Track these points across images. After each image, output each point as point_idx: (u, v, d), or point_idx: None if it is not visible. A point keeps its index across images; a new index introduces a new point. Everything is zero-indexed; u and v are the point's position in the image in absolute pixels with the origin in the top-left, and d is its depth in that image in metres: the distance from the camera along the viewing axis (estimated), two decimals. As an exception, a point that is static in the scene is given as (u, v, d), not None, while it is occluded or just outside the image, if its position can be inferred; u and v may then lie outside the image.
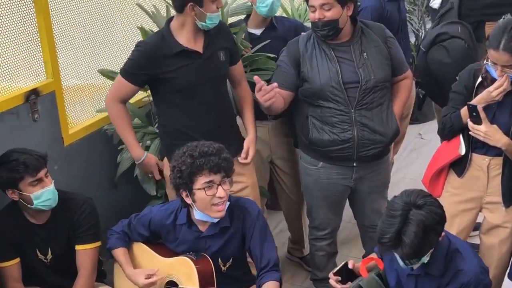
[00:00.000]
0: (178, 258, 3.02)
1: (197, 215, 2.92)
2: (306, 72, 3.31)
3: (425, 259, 2.55)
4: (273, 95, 3.14)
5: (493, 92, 2.90)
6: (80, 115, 3.79)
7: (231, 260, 3.05)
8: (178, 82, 3.20)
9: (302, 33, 3.59)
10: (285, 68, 3.39)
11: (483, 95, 2.95)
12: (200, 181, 2.80)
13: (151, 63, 3.17)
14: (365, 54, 3.27)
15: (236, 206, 3.00)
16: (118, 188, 3.81)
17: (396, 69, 3.41)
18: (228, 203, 2.91)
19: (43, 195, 2.99)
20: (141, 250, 3.18)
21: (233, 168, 2.89)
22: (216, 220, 2.92)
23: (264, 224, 3.03)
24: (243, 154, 3.43)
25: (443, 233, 2.57)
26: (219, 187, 2.82)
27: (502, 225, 3.14)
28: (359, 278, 2.85)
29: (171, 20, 3.24)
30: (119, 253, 3.14)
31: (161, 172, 3.50)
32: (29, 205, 3.01)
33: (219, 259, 3.02)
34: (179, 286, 2.99)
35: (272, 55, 3.65)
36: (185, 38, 3.19)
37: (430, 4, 4.66)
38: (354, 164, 3.38)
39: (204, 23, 3.14)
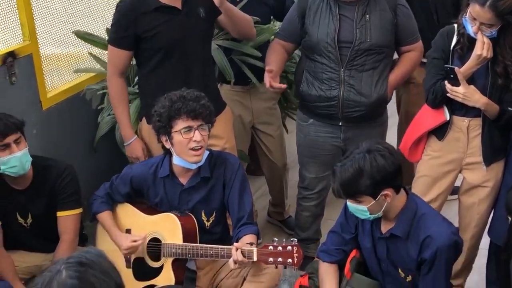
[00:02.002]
0: (162, 214, 3.06)
1: (175, 160, 2.98)
2: (308, 24, 3.33)
3: (367, 211, 2.60)
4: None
5: (483, 52, 2.89)
6: (59, 79, 3.74)
7: (214, 214, 3.08)
8: (158, 40, 3.17)
9: None
10: (291, 19, 3.43)
11: (473, 59, 2.92)
12: (179, 125, 2.86)
13: (133, 21, 3.14)
14: (367, 16, 3.25)
15: (217, 158, 3.06)
16: (98, 152, 3.79)
17: (401, 38, 3.37)
18: (207, 152, 2.98)
19: (10, 161, 2.97)
20: (125, 210, 3.19)
21: (212, 116, 2.95)
22: (193, 166, 2.97)
23: (244, 177, 3.08)
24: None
25: (387, 192, 2.57)
26: (196, 131, 2.86)
27: (481, 184, 3.17)
28: (344, 281, 2.89)
29: None
30: (104, 216, 3.15)
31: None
32: None
33: (202, 213, 3.06)
34: (162, 242, 3.02)
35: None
36: None
37: None
38: (340, 124, 3.40)
39: None
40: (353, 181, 2.54)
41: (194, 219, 3.03)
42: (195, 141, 2.87)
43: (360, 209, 2.62)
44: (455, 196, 3.38)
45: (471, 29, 2.90)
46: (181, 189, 3.05)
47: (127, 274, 3.07)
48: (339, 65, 3.27)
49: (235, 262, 2.77)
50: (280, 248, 2.76)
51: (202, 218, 3.07)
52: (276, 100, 4.01)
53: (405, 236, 2.67)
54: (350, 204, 2.65)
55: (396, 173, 2.58)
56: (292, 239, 2.83)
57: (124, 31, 3.17)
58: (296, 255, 2.75)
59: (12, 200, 3.13)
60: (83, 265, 1.59)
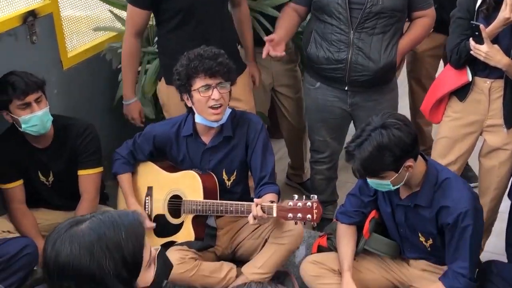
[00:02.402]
0: (183, 172, 3.09)
1: (196, 118, 2.99)
2: None
3: (390, 185, 2.58)
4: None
5: (505, 13, 2.84)
6: (79, 40, 3.75)
7: (235, 173, 3.10)
8: (175, 4, 3.15)
9: None
10: None
11: (499, 20, 2.87)
12: (197, 83, 2.86)
13: None
14: None
15: (240, 118, 3.07)
16: (118, 112, 3.81)
17: (414, 3, 3.30)
18: (229, 111, 2.99)
19: (31, 120, 2.99)
20: (147, 167, 3.22)
21: (232, 73, 2.93)
22: (214, 125, 2.98)
23: (266, 137, 3.09)
24: (252, 80, 3.50)
25: (409, 163, 2.55)
26: (215, 89, 2.86)
27: (502, 147, 3.14)
28: (362, 240, 2.91)
29: None
30: (124, 179, 3.19)
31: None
32: (19, 128, 3.02)
33: (224, 172, 3.08)
34: (183, 199, 3.05)
35: None
36: None
37: None
38: (346, 88, 3.36)
39: None
40: (375, 159, 2.50)
41: (215, 178, 3.05)
42: (213, 99, 2.87)
43: (383, 183, 2.60)
44: (476, 184, 3.37)
45: None
46: (204, 148, 3.07)
47: (147, 232, 3.08)
48: (349, 27, 3.21)
49: (254, 218, 2.78)
50: (299, 204, 2.76)
51: (223, 177, 3.09)
52: (297, 62, 3.98)
53: (429, 205, 2.67)
54: (372, 180, 2.62)
55: (414, 143, 2.57)
56: (312, 195, 2.83)
57: None
58: (316, 211, 2.76)
59: (34, 159, 3.17)
60: (102, 225, 1.60)
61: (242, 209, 2.90)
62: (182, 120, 3.10)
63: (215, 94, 2.87)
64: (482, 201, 2.95)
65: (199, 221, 3.05)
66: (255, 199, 2.85)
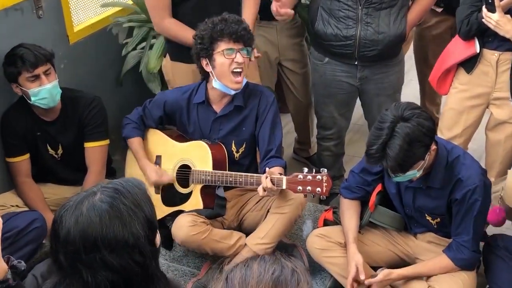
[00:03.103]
0: (193, 142, 3.11)
1: (215, 84, 2.97)
2: None
3: (417, 173, 2.56)
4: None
5: None
6: (85, 14, 3.74)
7: (244, 145, 3.11)
8: None
9: None
10: None
11: None
12: (221, 46, 2.87)
13: None
14: None
15: (252, 90, 3.09)
16: (124, 87, 3.81)
17: None
18: (245, 80, 2.98)
19: (40, 92, 3.00)
20: (157, 136, 3.22)
21: (252, 40, 2.95)
22: (233, 92, 2.97)
23: (277, 111, 3.09)
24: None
25: (434, 146, 2.56)
26: (238, 53, 2.88)
27: (508, 120, 3.14)
28: (367, 213, 2.92)
29: None
30: (135, 142, 3.18)
31: None
32: (29, 101, 3.03)
33: (233, 143, 3.09)
34: (192, 169, 3.06)
35: None
36: None
37: None
38: (356, 63, 3.35)
39: None
40: (408, 153, 2.46)
41: (224, 149, 3.06)
42: (237, 62, 2.88)
43: (411, 174, 2.57)
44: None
45: None
46: (214, 117, 3.07)
47: (155, 200, 3.12)
48: (357, 3, 3.19)
49: (264, 190, 2.79)
50: (309, 177, 2.77)
51: (232, 148, 3.09)
52: (303, 36, 3.95)
53: (442, 186, 2.67)
54: (401, 176, 2.58)
55: (434, 125, 2.57)
56: (322, 169, 2.83)
57: None
58: (326, 184, 2.76)
59: (43, 132, 3.19)
60: (118, 192, 1.62)
61: (252, 180, 2.90)
62: (194, 88, 3.10)
63: (239, 57, 2.88)
64: (488, 175, 2.95)
65: (208, 192, 3.06)
66: (266, 170, 2.85)
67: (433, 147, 2.56)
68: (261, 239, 3.01)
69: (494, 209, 2.80)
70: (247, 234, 3.11)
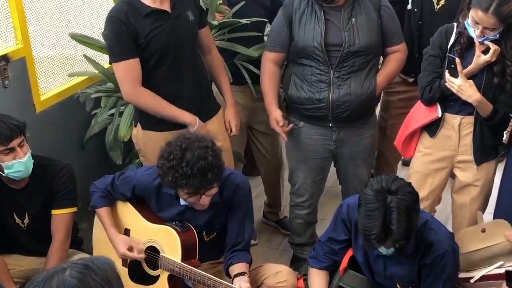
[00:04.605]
0: (163, 226, 2.97)
1: (182, 202, 2.91)
2: (295, 30, 3.33)
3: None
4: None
5: (492, 58, 2.90)
6: (52, 82, 3.75)
7: (215, 233, 3.02)
8: (152, 45, 3.09)
9: None
10: (280, 27, 3.40)
11: (477, 63, 2.93)
12: (185, 191, 2.76)
13: (129, 27, 3.04)
14: (353, 19, 3.26)
15: (227, 180, 2.93)
16: (87, 153, 3.78)
17: (387, 39, 3.39)
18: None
19: (14, 165, 2.94)
20: (126, 209, 3.11)
21: (221, 174, 2.79)
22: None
23: (250, 204, 3.02)
24: (227, 127, 3.45)
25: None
26: (203, 196, 2.78)
27: (473, 183, 3.18)
28: (336, 277, 2.91)
29: None
30: (103, 213, 3.08)
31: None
32: (1, 173, 2.98)
33: (204, 232, 2.99)
34: (161, 254, 2.96)
35: (246, 21, 3.58)
36: (150, 0, 3.12)
37: None
38: (330, 125, 3.40)
39: None
40: (409, 223, 2.48)
41: (195, 234, 2.93)
42: (201, 204, 2.81)
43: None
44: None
45: (474, 33, 2.90)
46: (185, 209, 2.96)
47: (122, 274, 2.97)
48: (329, 67, 3.28)
49: None
50: None
51: (203, 235, 3.00)
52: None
53: (415, 251, 2.67)
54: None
55: None
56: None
57: (127, 39, 3.05)
58: None
59: (10, 200, 3.11)
60: (87, 268, 1.61)
61: (221, 287, 2.79)
62: None
63: (204, 200, 2.79)
64: (455, 237, 2.97)
65: (176, 279, 2.95)
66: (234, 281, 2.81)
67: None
68: None
69: None
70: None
